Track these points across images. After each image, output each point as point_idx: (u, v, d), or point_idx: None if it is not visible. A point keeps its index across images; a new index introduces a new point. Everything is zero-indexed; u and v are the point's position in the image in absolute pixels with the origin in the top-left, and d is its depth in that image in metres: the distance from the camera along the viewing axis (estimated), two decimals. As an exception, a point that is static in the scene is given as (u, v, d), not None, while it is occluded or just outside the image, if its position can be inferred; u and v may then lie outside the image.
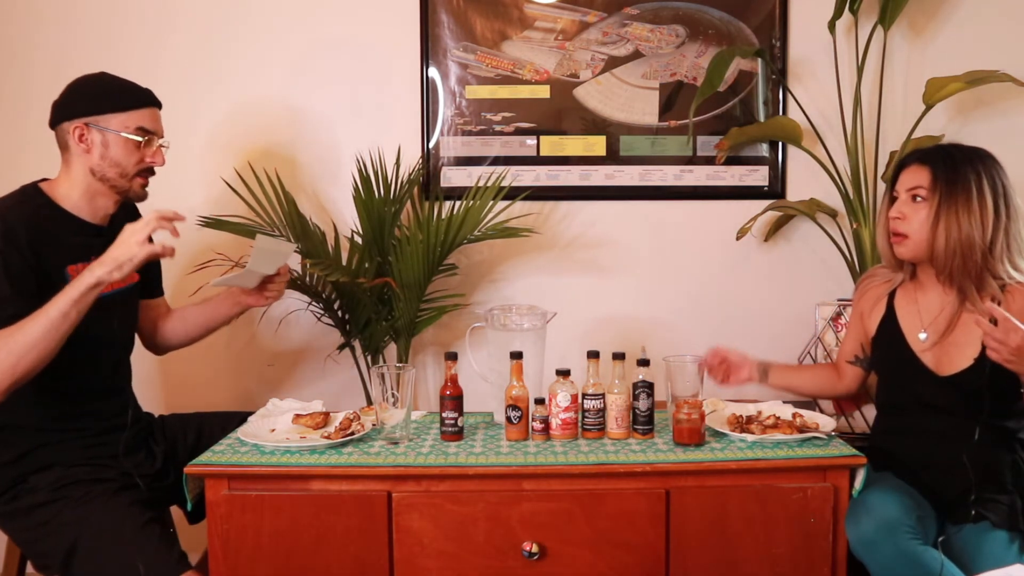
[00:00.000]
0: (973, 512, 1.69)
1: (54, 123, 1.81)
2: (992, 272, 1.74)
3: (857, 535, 1.62)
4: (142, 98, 1.83)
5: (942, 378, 1.78)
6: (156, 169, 1.87)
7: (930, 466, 1.76)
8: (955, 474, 1.72)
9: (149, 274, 2.04)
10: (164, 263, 2.23)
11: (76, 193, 1.80)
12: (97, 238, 1.83)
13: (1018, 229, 1.77)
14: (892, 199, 1.84)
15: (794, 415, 1.88)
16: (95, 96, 1.80)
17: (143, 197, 1.88)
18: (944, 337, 1.79)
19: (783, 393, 2.09)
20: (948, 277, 1.78)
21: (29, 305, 1.66)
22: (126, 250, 1.66)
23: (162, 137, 1.86)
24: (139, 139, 1.80)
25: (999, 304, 1.73)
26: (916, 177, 1.79)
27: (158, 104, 1.87)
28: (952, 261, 1.74)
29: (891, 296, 1.90)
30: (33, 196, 1.78)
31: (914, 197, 1.78)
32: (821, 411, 2.11)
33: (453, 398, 1.82)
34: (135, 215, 2.01)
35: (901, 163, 1.86)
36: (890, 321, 1.88)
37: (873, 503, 1.64)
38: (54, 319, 1.61)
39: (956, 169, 1.75)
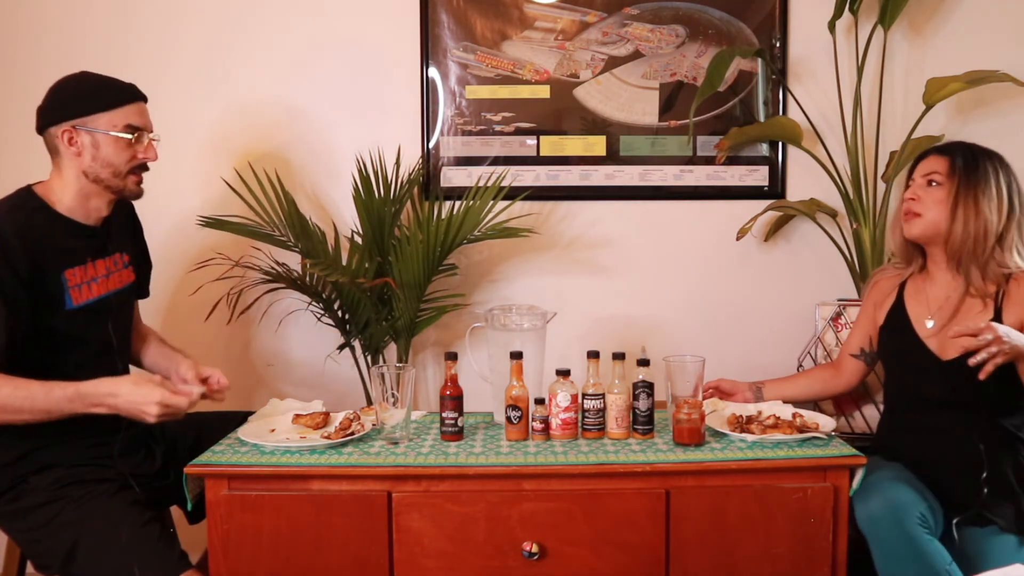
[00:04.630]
0: (979, 515, 1.69)
1: (41, 128, 1.79)
2: (999, 261, 1.81)
3: (866, 512, 1.63)
4: (127, 94, 1.81)
5: (945, 362, 1.81)
6: (153, 168, 1.85)
7: (936, 466, 1.77)
8: (961, 476, 1.73)
9: (142, 275, 2.04)
10: (164, 264, 2.24)
11: (69, 196, 1.79)
12: (92, 240, 1.82)
13: None
14: (908, 187, 1.93)
15: (794, 415, 1.88)
16: (80, 97, 1.77)
17: (139, 194, 1.87)
18: (949, 323, 1.82)
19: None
20: (957, 262, 1.84)
21: (21, 322, 1.66)
22: (142, 411, 1.64)
23: (151, 131, 1.84)
24: (129, 136, 1.78)
25: (1003, 294, 1.79)
26: (933, 164, 1.88)
27: (144, 98, 1.84)
28: (965, 245, 1.81)
29: (901, 286, 1.96)
30: (27, 200, 1.76)
31: (929, 182, 1.87)
32: (821, 411, 2.11)
33: (453, 398, 1.82)
34: (131, 215, 2.01)
35: (920, 155, 1.94)
36: (899, 309, 1.93)
37: (885, 484, 1.66)
38: (52, 411, 1.63)
39: (975, 159, 1.84)
